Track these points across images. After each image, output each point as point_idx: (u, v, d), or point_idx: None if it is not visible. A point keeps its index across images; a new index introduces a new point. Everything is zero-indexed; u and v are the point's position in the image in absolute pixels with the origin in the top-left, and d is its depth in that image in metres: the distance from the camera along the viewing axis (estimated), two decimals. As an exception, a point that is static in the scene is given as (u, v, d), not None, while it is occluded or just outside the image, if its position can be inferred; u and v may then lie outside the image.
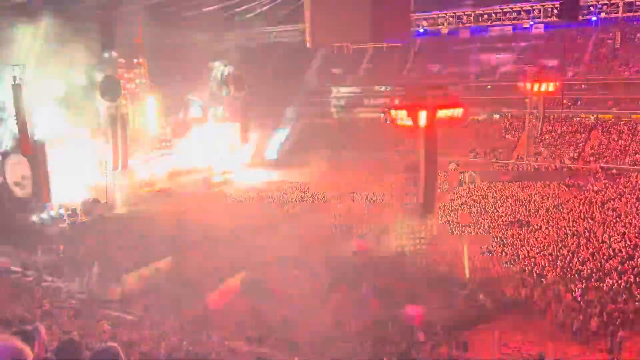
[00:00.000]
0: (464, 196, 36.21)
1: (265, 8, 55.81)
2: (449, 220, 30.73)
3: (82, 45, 41.01)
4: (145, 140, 45.43)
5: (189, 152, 49.78)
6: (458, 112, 24.93)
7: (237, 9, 56.99)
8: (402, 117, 22.75)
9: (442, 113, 23.49)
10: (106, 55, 38.05)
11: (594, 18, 49.86)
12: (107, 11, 32.41)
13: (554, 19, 48.41)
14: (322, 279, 23.56)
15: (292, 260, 25.63)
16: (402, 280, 22.83)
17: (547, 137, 48.10)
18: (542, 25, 55.39)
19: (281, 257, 26.01)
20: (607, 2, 48.86)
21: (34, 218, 34.94)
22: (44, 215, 35.12)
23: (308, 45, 25.28)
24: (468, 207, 33.37)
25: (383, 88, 63.76)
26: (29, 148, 35.96)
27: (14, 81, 35.09)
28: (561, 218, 29.78)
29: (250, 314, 20.73)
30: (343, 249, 26.93)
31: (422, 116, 22.22)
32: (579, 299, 20.49)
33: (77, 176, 39.13)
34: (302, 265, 24.99)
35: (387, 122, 57.57)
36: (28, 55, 37.50)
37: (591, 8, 48.35)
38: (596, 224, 28.44)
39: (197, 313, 20.60)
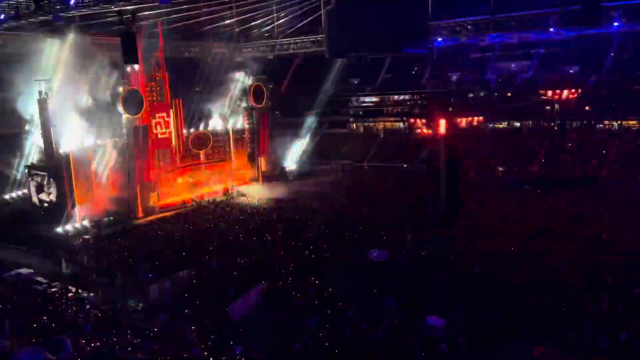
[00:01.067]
0: (485, 205, 35.82)
1: (283, 20, 56.32)
2: (470, 229, 30.39)
3: (105, 59, 41.97)
4: (167, 152, 46.03)
5: (209, 164, 50.30)
6: (477, 119, 24.76)
7: (256, 22, 57.66)
8: (422, 126, 22.65)
9: (462, 121, 23.35)
10: (128, 68, 38.76)
11: (616, 23, 49.15)
12: (129, 26, 33.04)
13: (575, 25, 47.77)
14: (342, 289, 23.50)
15: (311, 270, 25.64)
16: (422, 290, 22.62)
17: (569, 144, 47.46)
18: (562, 32, 54.83)
19: (300, 267, 26.03)
20: (629, 7, 48.14)
21: (59, 229, 35.55)
22: (69, 227, 35.72)
23: (326, 55, 25.46)
24: (490, 215, 33.00)
25: (402, 97, 63.73)
26: (54, 161, 36.76)
27: (40, 95, 36.03)
28: (585, 227, 29.27)
29: (271, 325, 20.74)
30: (363, 259, 26.82)
31: (442, 125, 22.14)
32: (605, 309, 20.06)
33: (101, 188, 39.87)
34: (322, 275, 24.98)
35: (407, 131, 57.55)
36: (53, 70, 38.50)
37: (612, 13, 47.68)
38: (621, 232, 27.91)
39: (219, 323, 20.67)
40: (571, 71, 52.92)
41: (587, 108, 50.35)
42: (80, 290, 25.42)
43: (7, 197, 42.75)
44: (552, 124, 43.81)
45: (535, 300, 20.92)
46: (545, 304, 20.60)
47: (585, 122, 50.62)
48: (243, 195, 44.13)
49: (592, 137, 48.25)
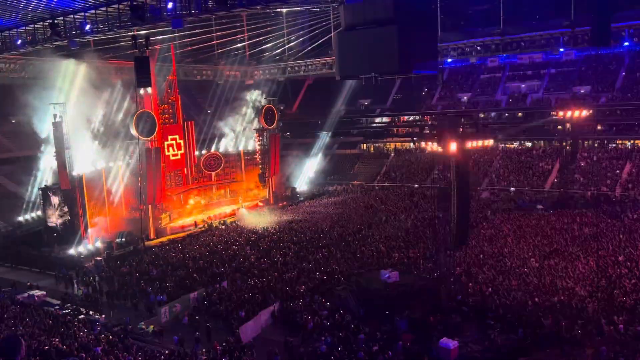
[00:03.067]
0: (498, 225, 35.50)
1: (294, 43, 56.98)
2: (482, 251, 30.10)
3: (118, 82, 42.69)
4: (179, 173, 46.40)
5: (221, 186, 50.55)
6: (489, 140, 24.70)
7: (267, 45, 58.39)
8: (432, 146, 22.64)
9: (472, 142, 23.32)
10: (141, 91, 39.31)
11: (626, 43, 49.15)
12: (142, 50, 33.61)
13: (585, 45, 47.86)
14: (353, 310, 23.31)
15: (323, 292, 25.49)
16: (435, 311, 22.36)
17: (582, 164, 47.12)
18: (573, 52, 54.91)
19: (312, 288, 25.89)
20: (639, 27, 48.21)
21: (72, 251, 35.77)
22: (81, 249, 35.93)
23: (337, 77, 25.63)
24: (503, 236, 32.67)
25: (412, 118, 63.91)
26: (68, 183, 37.17)
27: (55, 118, 36.62)
28: (600, 247, 28.87)
29: (283, 346, 20.58)
30: (375, 280, 26.63)
31: (453, 145, 22.13)
32: (622, 331, 19.69)
33: (113, 209, 40.18)
34: (334, 296, 24.82)
35: (418, 151, 57.54)
36: (68, 93, 39.19)
37: (622, 33, 47.72)
38: (637, 253, 27.47)
39: (230, 345, 20.54)
40: (582, 91, 52.84)
41: (598, 127, 50.08)
42: (91, 312, 25.47)
43: (21, 218, 43.19)
44: (564, 143, 43.47)
45: (550, 322, 20.58)
46: (561, 325, 20.25)
47: (597, 141, 50.29)
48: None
49: (605, 156, 47.87)
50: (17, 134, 47.62)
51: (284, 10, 45.09)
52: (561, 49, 53.01)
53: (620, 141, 49.91)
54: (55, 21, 31.59)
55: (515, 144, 54.70)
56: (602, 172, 45.84)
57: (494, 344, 19.83)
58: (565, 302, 22.26)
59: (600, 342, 19.06)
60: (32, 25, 33.68)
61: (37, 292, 28.07)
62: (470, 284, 25.05)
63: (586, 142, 49.14)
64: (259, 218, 42.39)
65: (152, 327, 23.30)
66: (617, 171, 45.44)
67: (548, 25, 50.40)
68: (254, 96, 52.48)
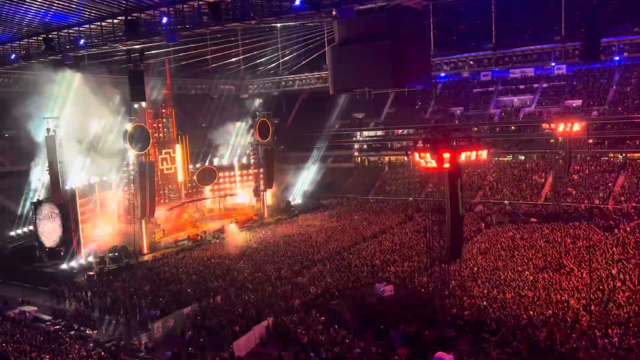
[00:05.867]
0: (492, 239, 35.56)
1: (288, 57, 57.34)
2: (477, 264, 30.10)
3: (112, 96, 42.70)
4: (173, 187, 46.30)
5: (215, 199, 50.47)
6: (481, 153, 24.84)
7: (261, 59, 58.69)
8: (426, 159, 22.73)
9: (465, 155, 23.43)
10: (135, 106, 39.35)
11: (617, 58, 49.77)
12: (137, 64, 33.78)
13: (576, 59, 48.46)
14: (348, 325, 23.19)
15: (318, 306, 25.36)
16: (430, 325, 22.29)
17: (574, 177, 47.37)
18: (564, 66, 55.51)
19: (307, 303, 25.76)
20: (629, 42, 48.82)
21: (64, 266, 35.48)
22: (73, 264, 35.65)
23: (331, 91, 25.78)
24: (497, 249, 32.70)
25: (406, 131, 64.18)
26: (60, 197, 36.95)
27: (48, 132, 36.49)
28: (594, 260, 28.94)
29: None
30: (369, 294, 26.54)
31: (446, 158, 22.20)
32: (617, 345, 19.67)
33: (106, 223, 39.95)
34: (328, 311, 24.70)
35: (411, 165, 57.69)
36: (61, 108, 39.14)
37: (613, 48, 48.34)
38: (630, 266, 27.55)
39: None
40: (574, 104, 53.34)
41: (590, 141, 50.48)
42: (82, 328, 25.20)
43: (13, 233, 42.87)
44: (557, 157, 43.78)
45: (545, 335, 20.54)
46: (555, 338, 20.22)
47: (589, 154, 50.62)
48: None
49: (597, 169, 48.17)
50: (10, 148, 47.47)
51: (278, 25, 45.40)
52: (552, 64, 53.63)
53: (612, 154, 50.30)
54: (50, 36, 31.69)
55: (509, 157, 54.99)
56: (594, 185, 46.11)
57: (489, 357, 19.76)
58: (559, 316, 22.25)
59: (594, 355, 19.03)
60: (27, 40, 33.74)
61: (28, 308, 27.78)
62: (465, 298, 25.02)
63: (578, 156, 49.44)
64: (248, 235, 41.57)
65: (145, 340, 23.04)
66: (610, 184, 45.71)
67: (539, 39, 51.05)
68: (248, 110, 52.69)
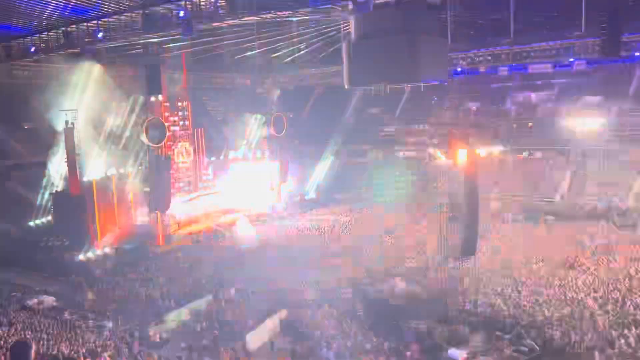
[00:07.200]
0: (507, 235, 35.28)
1: (303, 52, 57.21)
2: (491, 261, 29.89)
3: (130, 89, 42.97)
4: (188, 181, 46.57)
5: (230, 193, 50.62)
6: (497, 149, 24.66)
7: (278, 53, 58.61)
8: (441, 155, 22.61)
9: (481, 151, 23.28)
10: (152, 98, 39.58)
11: (637, 54, 48.81)
12: (154, 57, 34.01)
13: (595, 55, 47.67)
14: (361, 320, 23.20)
15: (330, 302, 25.40)
16: (443, 322, 22.22)
17: (592, 174, 46.72)
18: (583, 62, 54.59)
19: (320, 298, 25.81)
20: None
21: (81, 257, 35.96)
22: (90, 254, 36.11)
23: (346, 86, 25.69)
24: (512, 246, 32.45)
25: (422, 127, 63.70)
26: (78, 188, 37.41)
27: (66, 124, 36.92)
28: (612, 259, 28.59)
29: (290, 355, 20.53)
30: (382, 289, 26.52)
31: (462, 154, 22.07)
32: (633, 345, 19.44)
33: (123, 215, 40.36)
34: (341, 305, 24.73)
35: (427, 160, 57.39)
36: (79, 100, 39.50)
37: (633, 44, 47.44)
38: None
39: (237, 354, 20.52)
40: (593, 101, 52.48)
41: (609, 138, 49.68)
42: (99, 318, 25.53)
43: (31, 224, 43.50)
44: (575, 153, 43.22)
45: (560, 334, 20.37)
46: (571, 337, 20.03)
47: (608, 152, 49.85)
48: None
49: (616, 167, 47.44)
50: (29, 139, 48.04)
51: (294, 19, 45.28)
52: (571, 59, 52.76)
53: (633, 151, 49.47)
54: (69, 29, 32.04)
55: (525, 153, 54.40)
56: (613, 183, 45.43)
57: (502, 355, 19.65)
58: (575, 314, 22.04)
59: (610, 356, 18.83)
60: (46, 33, 34.11)
61: (45, 297, 28.21)
62: (479, 295, 24.88)
63: (597, 152, 48.73)
64: (262, 228, 41.27)
65: (160, 332, 23.31)
66: (630, 181, 44.99)
67: (558, 35, 50.25)
68: (264, 104, 52.70)
